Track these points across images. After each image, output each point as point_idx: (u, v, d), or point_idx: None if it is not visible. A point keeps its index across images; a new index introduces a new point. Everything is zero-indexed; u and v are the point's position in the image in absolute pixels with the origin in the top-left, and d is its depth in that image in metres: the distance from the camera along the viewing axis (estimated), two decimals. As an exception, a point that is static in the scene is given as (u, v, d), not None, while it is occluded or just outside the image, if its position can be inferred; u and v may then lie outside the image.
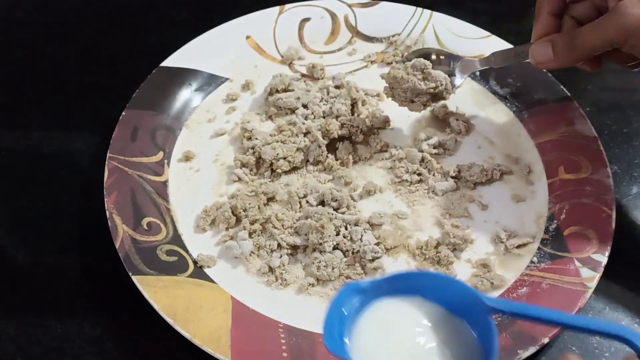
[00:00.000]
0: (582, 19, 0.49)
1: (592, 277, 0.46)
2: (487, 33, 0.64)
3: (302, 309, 0.46)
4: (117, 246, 0.47)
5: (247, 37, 0.64)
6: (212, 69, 0.61)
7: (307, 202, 0.52)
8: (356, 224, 0.50)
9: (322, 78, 0.62)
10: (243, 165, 0.54)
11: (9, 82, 0.63)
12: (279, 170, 0.54)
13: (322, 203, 0.52)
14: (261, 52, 0.64)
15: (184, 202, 0.52)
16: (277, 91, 0.59)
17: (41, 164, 0.56)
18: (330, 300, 0.33)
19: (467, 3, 0.72)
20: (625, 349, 0.30)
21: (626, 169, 0.57)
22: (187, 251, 0.49)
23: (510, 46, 0.62)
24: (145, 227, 0.49)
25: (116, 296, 0.47)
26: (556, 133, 0.56)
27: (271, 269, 0.48)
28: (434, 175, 0.54)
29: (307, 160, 0.55)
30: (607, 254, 0.47)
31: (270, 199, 0.52)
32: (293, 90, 0.60)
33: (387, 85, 0.56)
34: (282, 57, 0.64)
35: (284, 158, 0.54)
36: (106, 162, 0.52)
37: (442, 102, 0.56)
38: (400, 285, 0.34)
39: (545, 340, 0.43)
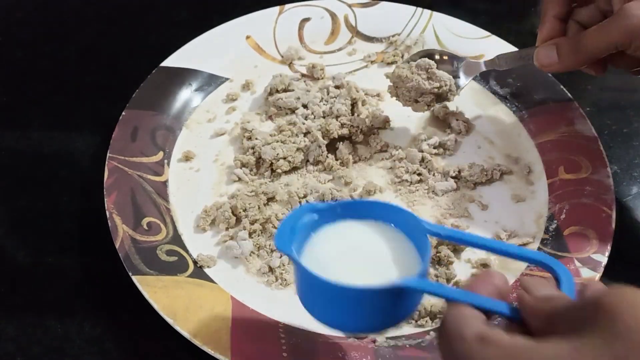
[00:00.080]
0: (586, 24, 0.49)
1: (592, 277, 0.46)
2: (487, 33, 0.64)
3: (302, 309, 0.46)
4: (117, 246, 0.47)
5: (247, 37, 0.64)
6: (212, 69, 0.61)
7: (307, 202, 0.52)
8: (356, 224, 0.50)
9: (322, 78, 0.62)
10: (243, 165, 0.54)
11: (9, 82, 0.63)
12: (279, 170, 0.54)
13: (322, 203, 0.52)
14: (261, 52, 0.64)
15: (184, 202, 0.52)
16: (277, 91, 0.59)
17: (41, 164, 0.56)
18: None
19: (467, 3, 0.72)
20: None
21: (626, 169, 0.57)
22: (187, 251, 0.49)
23: (510, 46, 0.62)
24: (145, 227, 0.49)
25: (116, 296, 0.47)
26: (556, 133, 0.56)
27: (271, 269, 0.48)
28: (434, 175, 0.54)
29: (307, 160, 0.55)
30: (607, 254, 0.47)
31: (270, 199, 0.52)
32: (293, 90, 0.60)
33: (391, 84, 0.56)
34: (282, 57, 0.64)
35: (284, 158, 0.54)
36: (106, 162, 0.52)
37: (445, 102, 0.56)
38: (353, 210, 0.39)
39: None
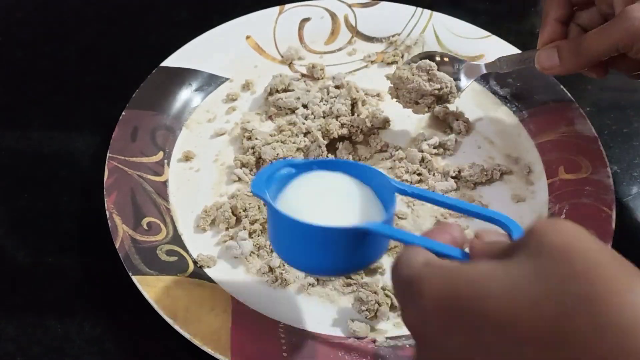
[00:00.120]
0: (587, 27, 0.49)
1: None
2: (487, 33, 0.64)
3: (302, 309, 0.46)
4: (117, 246, 0.47)
5: (247, 37, 0.64)
6: (212, 69, 0.61)
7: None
8: (356, 224, 0.50)
9: (322, 78, 0.62)
10: (243, 165, 0.54)
11: (9, 82, 0.63)
12: (279, 170, 0.54)
13: (322, 203, 0.52)
14: (261, 52, 0.64)
15: (184, 202, 0.52)
16: (277, 91, 0.59)
17: (41, 164, 0.56)
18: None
19: (467, 3, 0.72)
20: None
21: (626, 169, 0.57)
22: (187, 251, 0.49)
23: (510, 46, 0.62)
24: (145, 227, 0.49)
25: (116, 296, 0.47)
26: (556, 133, 0.56)
27: (271, 269, 0.48)
28: (434, 175, 0.54)
29: (307, 160, 0.55)
30: (607, 254, 0.47)
31: (270, 199, 0.52)
32: (293, 90, 0.60)
33: (391, 85, 0.56)
34: (282, 57, 0.64)
35: (284, 158, 0.54)
36: (106, 162, 0.52)
37: (446, 105, 0.56)
38: (328, 166, 0.42)
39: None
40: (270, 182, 0.40)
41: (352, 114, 0.57)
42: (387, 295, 0.46)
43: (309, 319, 0.46)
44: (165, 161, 0.55)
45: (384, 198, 0.40)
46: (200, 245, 0.49)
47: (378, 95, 0.60)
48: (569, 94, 0.59)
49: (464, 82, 0.56)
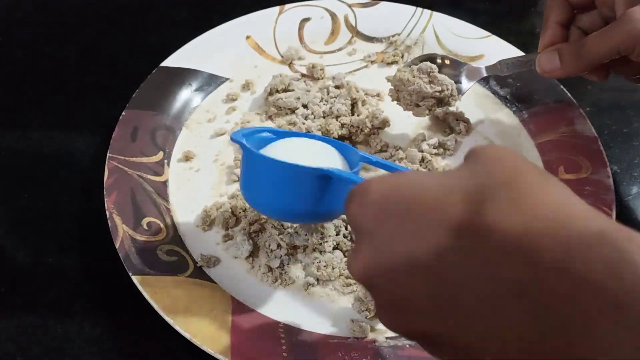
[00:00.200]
0: (588, 30, 0.49)
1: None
2: (487, 33, 0.64)
3: (302, 309, 0.46)
4: (117, 246, 0.47)
5: (247, 37, 0.64)
6: (212, 69, 0.61)
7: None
8: (356, 224, 0.50)
9: (322, 78, 0.62)
10: (243, 165, 0.54)
11: (9, 82, 0.63)
12: (279, 170, 0.54)
13: (322, 203, 0.52)
14: (261, 52, 0.64)
15: (184, 202, 0.52)
16: (277, 91, 0.59)
17: (41, 164, 0.56)
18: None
19: (467, 3, 0.72)
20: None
21: (626, 169, 0.57)
22: (187, 251, 0.49)
23: (510, 46, 0.62)
24: (145, 227, 0.49)
25: (116, 296, 0.47)
26: (556, 133, 0.56)
27: (271, 269, 0.48)
28: (434, 175, 0.54)
29: (307, 160, 0.55)
30: (607, 254, 0.47)
31: (270, 199, 0.52)
32: (293, 90, 0.60)
33: (392, 87, 0.56)
34: (282, 57, 0.64)
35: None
36: (106, 162, 0.52)
37: (447, 107, 0.56)
38: (306, 137, 0.47)
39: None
40: (249, 140, 0.43)
41: (352, 114, 0.57)
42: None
43: (309, 319, 0.46)
44: (165, 161, 0.55)
45: (351, 163, 0.45)
46: (200, 245, 0.49)
47: (378, 95, 0.60)
48: (569, 94, 0.59)
49: (464, 84, 0.56)
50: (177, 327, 0.43)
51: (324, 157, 0.44)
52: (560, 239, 0.24)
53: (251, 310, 0.45)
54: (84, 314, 0.47)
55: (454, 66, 0.56)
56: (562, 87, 0.59)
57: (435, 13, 0.66)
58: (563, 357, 0.23)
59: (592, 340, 0.23)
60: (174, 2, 0.72)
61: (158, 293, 0.45)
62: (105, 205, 0.49)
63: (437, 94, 0.54)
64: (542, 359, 0.24)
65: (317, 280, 0.48)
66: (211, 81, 0.61)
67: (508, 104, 0.60)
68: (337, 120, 0.56)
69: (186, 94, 0.59)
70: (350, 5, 0.67)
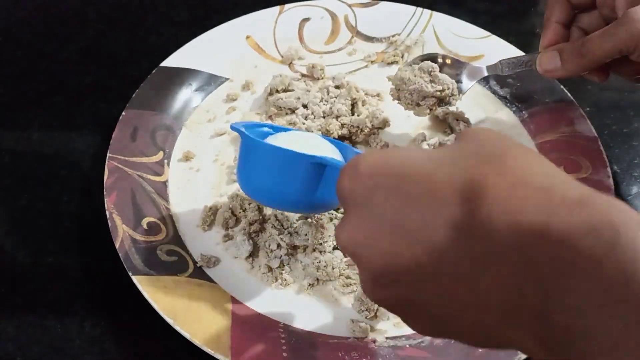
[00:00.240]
0: (589, 30, 0.49)
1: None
2: (487, 33, 0.64)
3: (302, 309, 0.46)
4: (117, 246, 0.47)
5: (247, 37, 0.64)
6: (212, 69, 0.61)
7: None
8: (356, 224, 0.50)
9: (322, 78, 0.62)
10: (243, 165, 0.54)
11: (9, 82, 0.63)
12: (279, 170, 0.54)
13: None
14: (261, 52, 0.64)
15: (184, 202, 0.52)
16: (277, 91, 0.59)
17: (41, 164, 0.56)
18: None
19: (467, 3, 0.72)
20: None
21: (626, 169, 0.57)
22: (187, 251, 0.49)
23: (510, 46, 0.62)
24: (145, 227, 0.49)
25: (116, 296, 0.47)
26: (556, 133, 0.56)
27: (271, 269, 0.48)
28: (434, 175, 0.54)
29: (307, 160, 0.55)
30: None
31: (270, 199, 0.52)
32: (293, 90, 0.60)
33: (393, 87, 0.56)
34: (282, 57, 0.64)
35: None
36: (106, 162, 0.52)
37: (448, 107, 0.56)
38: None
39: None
40: (248, 131, 0.44)
41: (352, 114, 0.57)
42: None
43: (309, 319, 0.46)
44: (165, 161, 0.55)
45: (346, 158, 0.46)
46: (200, 245, 0.49)
47: (378, 95, 0.60)
48: (569, 94, 0.59)
49: (465, 84, 0.56)
50: (177, 327, 0.43)
51: (320, 149, 0.44)
52: (542, 202, 0.24)
53: (251, 311, 0.45)
54: (84, 314, 0.47)
55: (455, 65, 0.56)
56: (562, 87, 0.59)
57: (435, 13, 0.66)
58: (540, 315, 0.24)
59: (568, 295, 0.23)
60: (174, 2, 0.72)
61: (158, 293, 0.45)
62: (105, 205, 0.49)
63: (438, 93, 0.54)
64: (519, 320, 0.25)
65: (317, 280, 0.48)
66: (211, 81, 0.61)
67: (508, 104, 0.60)
68: (337, 120, 0.56)
69: (186, 94, 0.59)
70: (350, 5, 0.67)
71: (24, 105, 0.61)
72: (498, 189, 0.25)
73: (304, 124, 0.56)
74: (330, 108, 0.57)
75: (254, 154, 0.43)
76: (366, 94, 0.60)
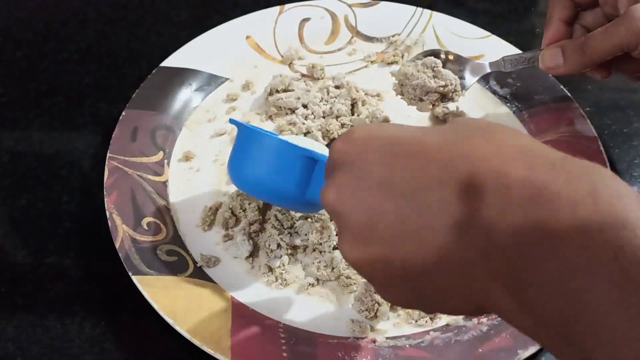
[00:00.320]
0: (592, 28, 0.49)
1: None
2: (487, 33, 0.64)
3: (302, 309, 0.46)
4: (117, 246, 0.47)
5: (247, 37, 0.64)
6: (212, 69, 0.61)
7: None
8: (356, 224, 0.50)
9: (322, 78, 0.62)
10: (243, 165, 0.54)
11: (9, 82, 0.63)
12: (279, 170, 0.54)
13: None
14: (261, 52, 0.64)
15: (184, 202, 0.52)
16: (277, 91, 0.59)
17: (41, 164, 0.56)
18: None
19: (467, 3, 0.72)
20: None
21: (626, 169, 0.57)
22: (187, 251, 0.49)
23: (510, 46, 0.62)
24: (145, 227, 0.49)
25: (116, 296, 0.47)
26: (556, 133, 0.56)
27: (271, 269, 0.48)
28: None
29: (307, 160, 0.55)
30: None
31: (270, 199, 0.52)
32: (293, 90, 0.60)
33: (396, 82, 0.56)
34: (282, 57, 0.64)
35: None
36: (106, 162, 0.52)
37: (451, 103, 0.56)
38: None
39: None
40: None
41: (352, 114, 0.57)
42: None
43: (309, 319, 0.46)
44: (165, 161, 0.55)
45: None
46: (200, 245, 0.49)
47: (378, 95, 0.60)
48: (569, 94, 0.59)
49: (468, 80, 0.56)
50: (177, 327, 0.43)
51: (315, 148, 0.45)
52: (526, 160, 0.26)
53: (251, 310, 0.45)
54: (84, 314, 0.47)
55: (458, 62, 0.56)
56: (562, 87, 0.59)
57: (435, 13, 0.66)
58: (511, 270, 0.25)
59: (543, 237, 0.24)
60: (174, 2, 0.72)
61: (158, 293, 0.45)
62: (105, 205, 0.49)
63: (441, 88, 0.54)
64: (486, 271, 0.26)
65: (317, 280, 0.48)
66: (211, 81, 0.61)
67: (508, 104, 0.60)
68: (337, 120, 0.56)
69: (186, 94, 0.59)
70: (350, 5, 0.67)
71: (24, 105, 0.61)
72: (485, 150, 0.26)
73: (304, 124, 0.56)
74: (330, 108, 0.57)
75: (250, 143, 0.44)
76: (366, 94, 0.60)
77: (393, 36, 0.65)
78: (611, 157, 0.55)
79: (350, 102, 0.57)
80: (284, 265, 0.48)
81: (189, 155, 0.55)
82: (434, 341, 0.44)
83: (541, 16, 0.63)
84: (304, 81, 0.62)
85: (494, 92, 0.61)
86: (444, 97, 0.55)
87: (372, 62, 0.64)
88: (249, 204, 0.50)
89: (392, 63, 0.64)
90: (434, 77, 0.54)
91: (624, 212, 0.23)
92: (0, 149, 0.57)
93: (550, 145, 0.28)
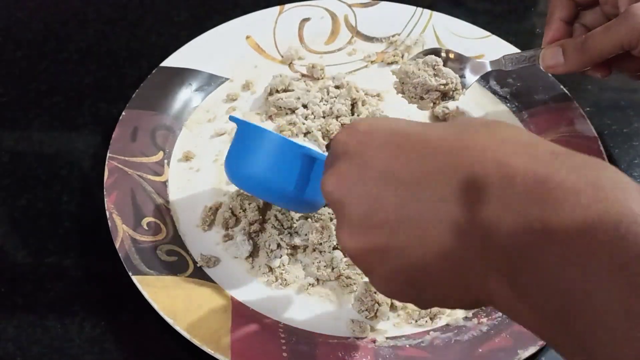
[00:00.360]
0: (592, 27, 0.49)
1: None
2: (487, 33, 0.64)
3: (302, 309, 0.46)
4: (117, 246, 0.47)
5: (247, 37, 0.64)
6: (212, 69, 0.61)
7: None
8: (356, 224, 0.50)
9: (322, 78, 0.62)
10: (243, 165, 0.54)
11: (9, 82, 0.63)
12: (279, 170, 0.54)
13: (322, 203, 0.52)
14: (261, 52, 0.64)
15: (184, 202, 0.52)
16: (277, 91, 0.59)
17: (41, 164, 0.56)
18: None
19: (467, 3, 0.72)
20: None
21: (626, 169, 0.57)
22: (187, 251, 0.49)
23: (510, 46, 0.62)
24: (145, 227, 0.49)
25: (116, 296, 0.47)
26: (556, 133, 0.56)
27: (271, 269, 0.48)
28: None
29: (307, 160, 0.55)
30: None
31: (270, 199, 0.52)
32: (293, 90, 0.60)
33: (397, 80, 0.56)
34: (282, 57, 0.64)
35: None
36: (106, 162, 0.52)
37: (451, 102, 0.56)
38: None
39: (545, 340, 0.43)
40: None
41: (352, 114, 0.57)
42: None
43: (309, 319, 0.46)
44: (165, 161, 0.55)
45: None
46: (200, 245, 0.49)
47: (378, 95, 0.60)
48: (569, 94, 0.59)
49: (469, 79, 0.56)
50: (177, 327, 0.43)
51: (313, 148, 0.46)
52: (529, 152, 0.26)
53: (251, 310, 0.45)
54: (84, 314, 0.47)
55: (459, 60, 0.56)
56: (562, 86, 0.59)
57: (435, 13, 0.66)
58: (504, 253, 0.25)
59: (546, 228, 0.24)
60: (174, 2, 0.72)
61: (158, 293, 0.45)
62: (105, 205, 0.49)
63: (442, 87, 0.54)
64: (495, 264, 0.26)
65: (317, 280, 0.48)
66: (211, 81, 0.61)
67: (508, 104, 0.60)
68: (337, 120, 0.56)
69: (186, 94, 0.59)
70: (350, 5, 0.67)
71: (24, 105, 0.61)
72: (488, 142, 0.27)
73: (304, 124, 0.56)
74: (330, 108, 0.57)
75: (250, 139, 0.45)
76: (366, 94, 0.60)
77: (393, 36, 0.65)
78: (611, 157, 0.55)
79: (350, 102, 0.57)
80: (284, 265, 0.48)
81: (189, 155, 0.55)
82: (434, 341, 0.44)
83: (541, 16, 0.63)
84: (304, 81, 0.62)
85: (494, 92, 0.61)
86: (445, 95, 0.55)
87: (372, 62, 0.64)
88: (249, 204, 0.50)
89: (392, 63, 0.64)
90: (435, 75, 0.54)
91: (627, 203, 0.23)
92: (0, 149, 0.57)
93: (551, 145, 0.28)
